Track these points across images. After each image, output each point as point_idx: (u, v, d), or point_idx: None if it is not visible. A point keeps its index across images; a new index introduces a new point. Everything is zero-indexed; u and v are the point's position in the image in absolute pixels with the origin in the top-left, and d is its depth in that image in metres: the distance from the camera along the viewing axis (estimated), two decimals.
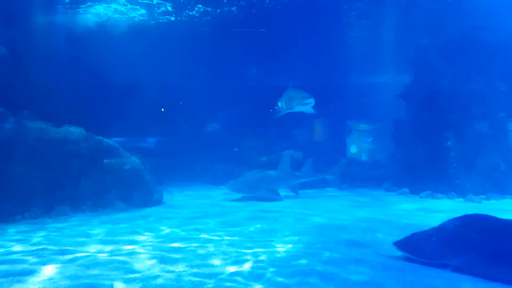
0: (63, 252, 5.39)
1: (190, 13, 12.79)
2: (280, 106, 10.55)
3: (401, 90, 14.03)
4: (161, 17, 13.07)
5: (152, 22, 13.35)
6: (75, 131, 8.91)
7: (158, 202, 10.00)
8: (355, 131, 22.62)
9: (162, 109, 17.66)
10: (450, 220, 5.04)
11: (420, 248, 4.76)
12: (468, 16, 12.62)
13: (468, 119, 12.14)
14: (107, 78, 14.40)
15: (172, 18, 13.15)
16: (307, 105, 9.71)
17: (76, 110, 11.31)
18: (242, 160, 15.00)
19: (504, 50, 12.47)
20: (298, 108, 10.07)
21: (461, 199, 11.04)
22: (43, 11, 11.42)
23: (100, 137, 9.37)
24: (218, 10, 12.43)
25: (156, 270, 4.63)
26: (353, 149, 21.39)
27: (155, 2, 11.61)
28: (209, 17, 13.17)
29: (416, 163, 12.59)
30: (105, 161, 9.35)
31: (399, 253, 5.07)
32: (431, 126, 12.50)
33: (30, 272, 4.52)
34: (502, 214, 8.80)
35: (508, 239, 4.47)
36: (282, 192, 11.29)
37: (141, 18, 13.10)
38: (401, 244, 4.98)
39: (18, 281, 4.21)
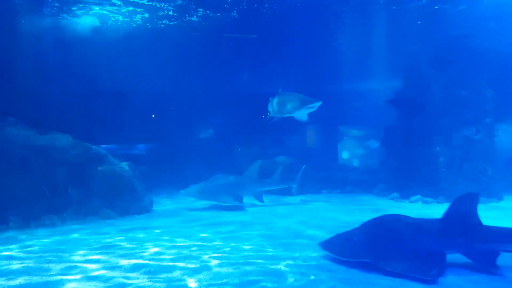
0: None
1: (191, 18, 12.65)
2: (276, 110, 9.85)
3: (391, 96, 14.18)
4: (158, 22, 12.95)
5: (149, 26, 13.22)
6: (62, 138, 8.81)
7: (148, 209, 9.90)
8: (346, 137, 22.75)
9: (153, 116, 17.56)
10: (369, 220, 5.33)
11: (341, 247, 4.99)
12: (456, 24, 12.83)
13: (456, 124, 12.29)
14: (96, 84, 14.29)
15: (171, 23, 12.96)
16: (312, 109, 9.13)
17: (64, 116, 11.21)
18: (235, 167, 14.94)
19: (491, 57, 12.70)
20: (300, 112, 9.38)
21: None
22: (31, 14, 11.28)
23: (88, 144, 9.27)
24: (218, 14, 12.33)
25: None
26: (344, 155, 21.49)
27: (154, 3, 11.41)
28: (205, 23, 13.08)
29: (406, 168, 12.71)
30: (93, 168, 9.23)
31: (324, 253, 5.32)
32: (420, 132, 12.64)
33: None
34: (487, 217, 8.88)
35: (407, 236, 4.84)
36: (247, 200, 10.92)
37: (135, 23, 13.02)
38: (325, 245, 5.22)
39: None
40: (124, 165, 9.87)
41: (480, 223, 5.01)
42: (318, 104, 8.74)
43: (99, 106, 14.42)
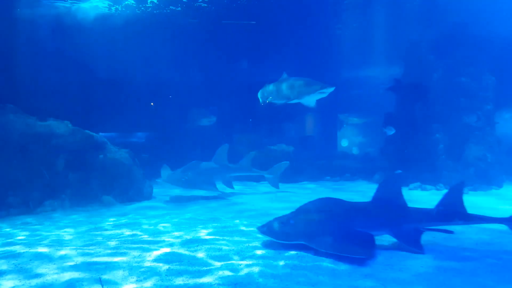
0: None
1: (201, 4, 12.40)
2: (284, 95, 8.92)
3: (391, 83, 14.10)
4: (166, 8, 12.76)
5: (139, 12, 13.03)
6: (61, 125, 8.78)
7: (148, 196, 9.94)
8: (346, 125, 22.74)
9: (152, 103, 17.49)
10: (305, 204, 5.43)
11: (276, 230, 5.11)
12: (457, 11, 12.69)
13: (456, 111, 12.27)
14: (94, 72, 14.19)
15: (178, 8, 12.73)
16: (324, 95, 8.35)
17: (63, 104, 11.15)
18: (233, 155, 14.95)
19: (492, 44, 12.60)
20: (309, 98, 8.66)
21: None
22: (27, 3, 11.14)
23: (88, 131, 9.25)
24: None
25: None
26: (344, 143, 21.51)
27: None
28: (204, 4, 12.81)
29: (406, 156, 12.72)
30: (93, 156, 9.23)
31: (260, 236, 5.42)
32: (420, 119, 12.62)
33: None
34: (486, 204, 8.91)
35: (339, 218, 5.05)
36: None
37: (130, 9, 12.87)
38: (262, 228, 5.26)
39: None
40: (124, 153, 9.87)
41: (405, 204, 5.23)
42: (331, 90, 8.10)
43: (98, 94, 14.34)
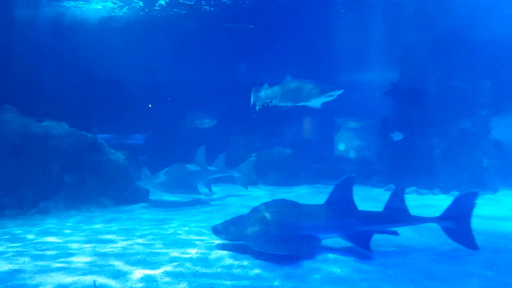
0: None
1: (207, 8, 12.44)
2: (289, 97, 8.74)
3: (388, 87, 14.16)
4: (153, 8, 12.77)
5: (142, 14, 13.04)
6: (58, 126, 8.74)
7: (144, 199, 9.92)
8: (343, 128, 22.79)
9: (150, 105, 17.47)
10: (259, 205, 5.58)
11: (225, 230, 5.27)
12: (453, 15, 12.76)
13: (452, 116, 12.31)
14: (93, 73, 14.16)
15: (183, 11, 12.73)
16: (332, 98, 8.23)
17: (61, 105, 11.10)
18: (231, 157, 14.96)
19: (488, 49, 12.67)
20: (316, 101, 8.48)
21: (445, 195, 11.22)
22: (26, 2, 11.11)
23: (85, 133, 9.21)
24: (230, 2, 12.12)
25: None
26: (341, 146, 21.55)
27: None
28: (207, 7, 12.85)
29: (402, 160, 12.74)
30: (89, 157, 9.19)
31: (212, 236, 5.54)
32: (417, 123, 12.66)
33: None
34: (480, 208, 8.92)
35: (287, 219, 5.14)
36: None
37: (133, 11, 12.84)
38: (215, 228, 5.40)
39: None
40: (120, 155, 9.84)
41: (355, 208, 5.34)
42: (339, 92, 7.93)
43: (97, 94, 14.30)
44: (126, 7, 12.44)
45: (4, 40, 10.09)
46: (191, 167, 9.90)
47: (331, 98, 8.14)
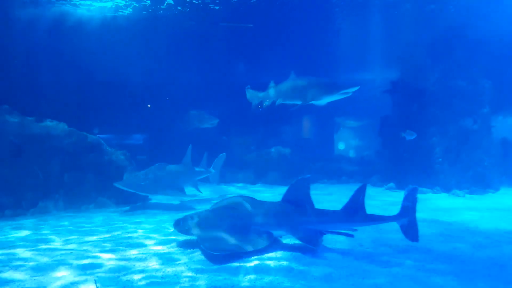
0: None
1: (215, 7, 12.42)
2: (300, 96, 8.19)
3: (388, 86, 14.15)
4: (158, 7, 12.71)
5: (145, 13, 12.99)
6: (57, 126, 8.71)
7: (143, 198, 9.86)
8: (343, 127, 22.79)
9: (148, 105, 17.43)
10: (219, 201, 5.71)
11: (181, 224, 5.36)
12: (453, 14, 12.76)
13: (453, 115, 12.30)
14: (92, 73, 14.11)
15: (187, 9, 12.66)
16: (347, 95, 7.70)
17: (60, 105, 11.07)
18: (231, 157, 14.93)
19: (488, 48, 12.67)
20: (330, 98, 7.98)
21: (446, 194, 11.21)
22: (24, 3, 11.06)
23: (84, 133, 9.19)
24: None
25: None
26: (341, 146, 21.54)
27: None
28: (225, 9, 12.81)
29: (402, 159, 12.73)
30: (89, 157, 9.15)
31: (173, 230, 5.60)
32: (417, 122, 12.64)
33: None
34: (480, 206, 8.88)
35: (239, 216, 5.26)
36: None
37: (136, 10, 12.77)
38: (176, 223, 5.45)
39: None
40: (120, 154, 9.81)
41: (312, 206, 5.42)
42: (355, 89, 7.44)
43: (97, 95, 14.23)
44: (132, 6, 12.35)
45: (4, 40, 10.04)
46: (173, 167, 9.42)
47: (347, 95, 7.70)
